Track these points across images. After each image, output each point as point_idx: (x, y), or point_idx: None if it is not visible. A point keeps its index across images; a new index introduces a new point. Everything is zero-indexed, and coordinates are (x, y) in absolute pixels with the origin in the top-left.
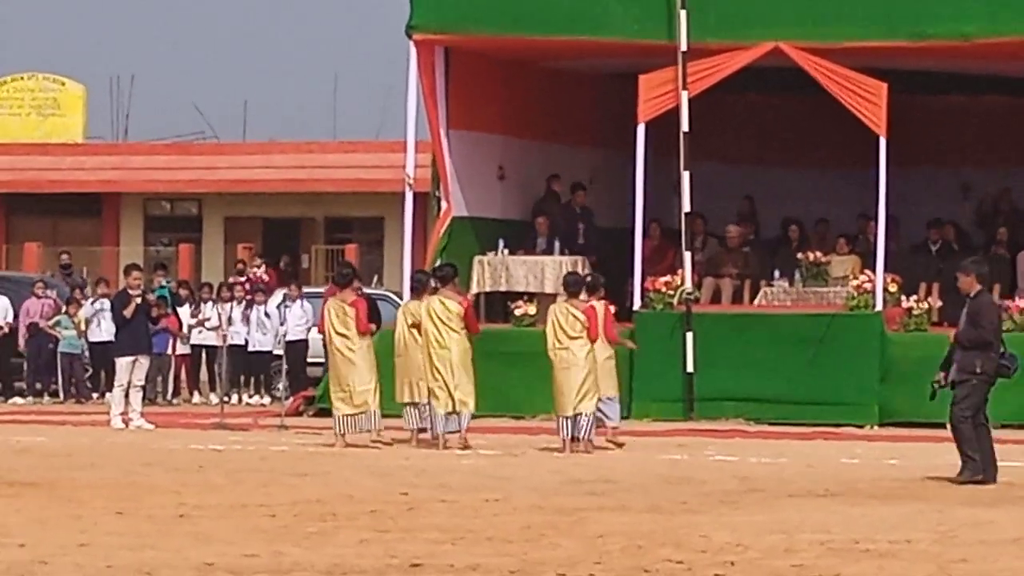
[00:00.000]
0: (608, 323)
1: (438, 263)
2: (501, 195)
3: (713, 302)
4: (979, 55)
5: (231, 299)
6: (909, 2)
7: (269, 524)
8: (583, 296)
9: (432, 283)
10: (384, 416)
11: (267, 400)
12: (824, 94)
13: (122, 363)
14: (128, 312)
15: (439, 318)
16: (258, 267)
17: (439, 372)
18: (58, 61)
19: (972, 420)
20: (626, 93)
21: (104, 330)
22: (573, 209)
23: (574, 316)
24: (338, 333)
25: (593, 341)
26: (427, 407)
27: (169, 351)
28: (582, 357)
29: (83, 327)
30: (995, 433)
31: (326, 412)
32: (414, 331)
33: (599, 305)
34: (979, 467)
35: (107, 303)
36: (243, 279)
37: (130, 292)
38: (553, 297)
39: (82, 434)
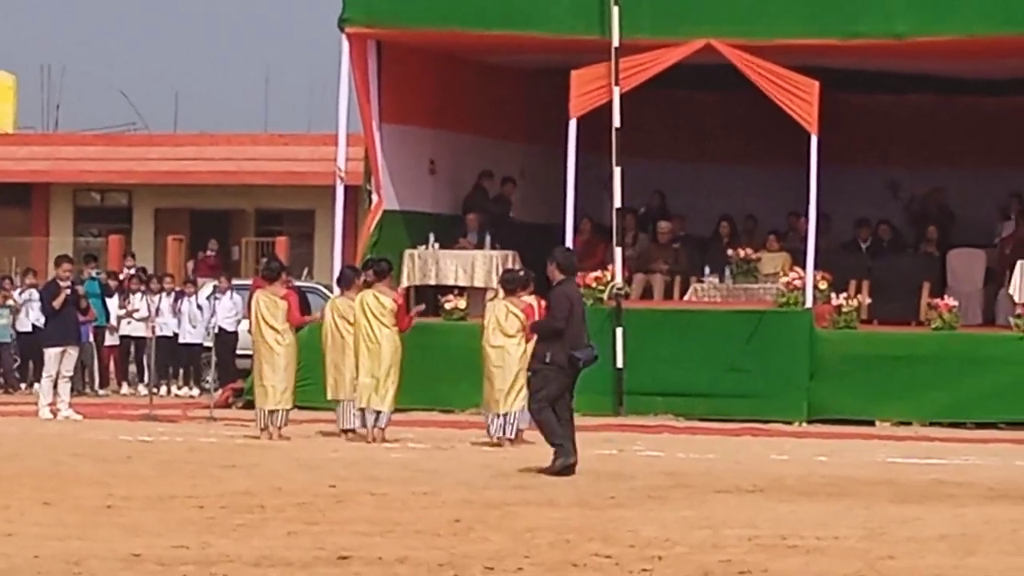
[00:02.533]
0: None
1: (371, 257)
2: (432, 189)
3: (643, 298)
4: (910, 54)
5: (160, 290)
6: (841, 1)
7: (197, 515)
8: (519, 293)
9: (365, 278)
10: (316, 409)
11: (196, 392)
12: (756, 91)
13: (51, 353)
14: (57, 303)
15: (372, 313)
16: (129, 267)
17: (369, 367)
18: None
19: (553, 410)
20: (558, 88)
21: (32, 320)
22: (504, 202)
23: (514, 314)
24: (269, 326)
25: (528, 340)
26: (351, 404)
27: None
28: (517, 356)
29: (19, 313)
30: (923, 431)
31: (254, 404)
32: (342, 326)
33: (532, 300)
34: (569, 450)
35: (35, 293)
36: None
37: (60, 283)
38: (483, 291)
39: (10, 424)
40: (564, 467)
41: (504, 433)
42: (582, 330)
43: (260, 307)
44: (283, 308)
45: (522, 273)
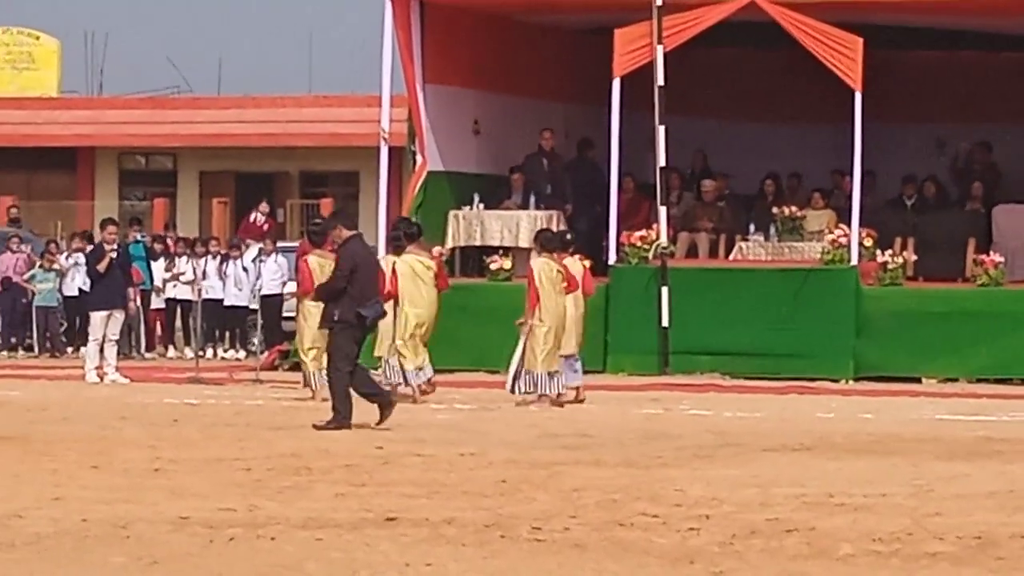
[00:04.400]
0: (587, 278)
1: (402, 218)
2: (476, 150)
3: (688, 257)
4: (954, 10)
5: (206, 254)
6: None
7: (244, 478)
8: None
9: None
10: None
11: (242, 354)
12: (799, 49)
13: (96, 317)
14: (102, 267)
15: (419, 276)
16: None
17: (416, 327)
18: (32, 15)
19: (350, 373)
20: (602, 47)
21: (79, 284)
22: (587, 161)
23: (559, 272)
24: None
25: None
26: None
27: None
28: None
29: (65, 277)
30: (970, 387)
31: (299, 367)
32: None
33: (574, 262)
34: (347, 417)
35: (82, 257)
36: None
37: (105, 246)
38: (528, 251)
39: (57, 388)
40: (339, 428)
41: (549, 391)
42: (369, 287)
43: (318, 271)
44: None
45: (568, 234)
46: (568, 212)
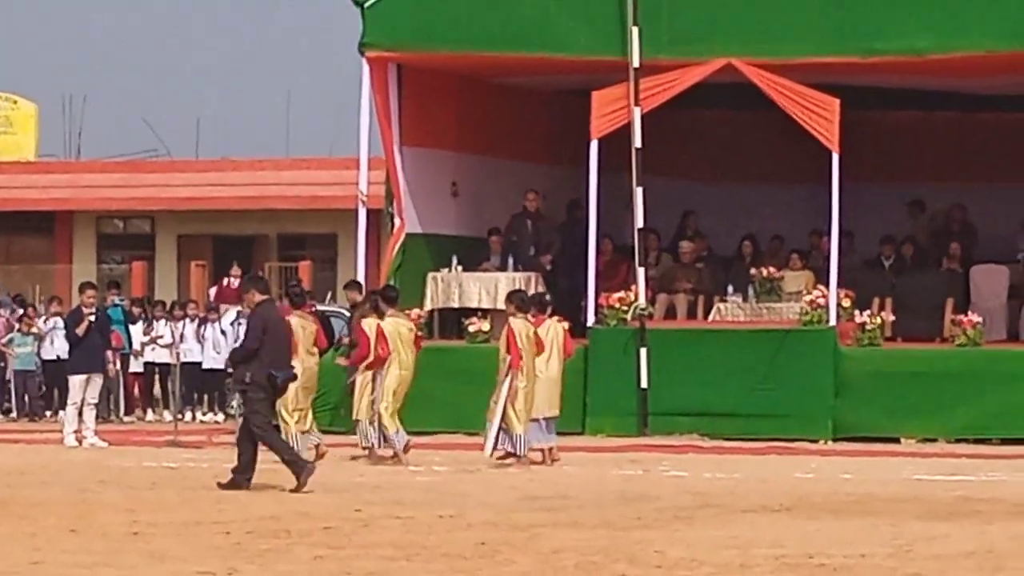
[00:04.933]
0: (567, 340)
1: (388, 284)
2: (455, 211)
3: (667, 318)
4: (931, 71)
5: (184, 317)
6: (861, 18)
7: (223, 541)
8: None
9: (370, 304)
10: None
11: (221, 417)
12: (777, 110)
13: (75, 381)
14: (81, 330)
15: (402, 339)
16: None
17: (395, 390)
18: (10, 79)
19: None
20: (579, 109)
21: (57, 348)
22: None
23: (534, 333)
24: (308, 352)
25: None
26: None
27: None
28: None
29: (43, 341)
30: (949, 447)
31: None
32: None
33: (552, 323)
34: (301, 463)
35: (60, 321)
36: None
37: (84, 310)
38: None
39: (35, 452)
40: (301, 475)
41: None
42: (282, 350)
43: (300, 332)
44: (313, 332)
45: (545, 295)
46: (548, 270)
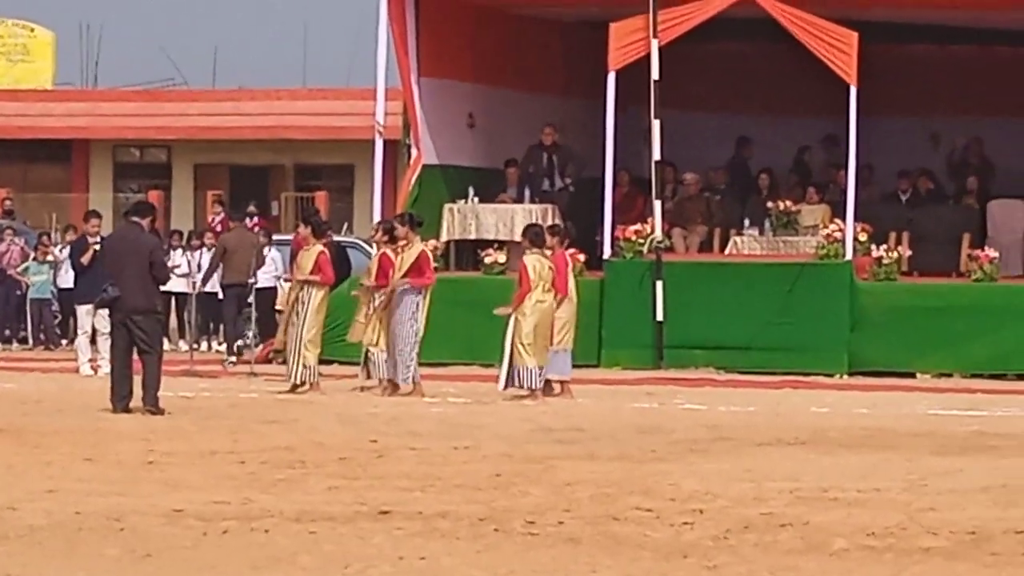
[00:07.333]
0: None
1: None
2: (471, 143)
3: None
4: (948, 5)
5: (201, 246)
6: None
7: (238, 471)
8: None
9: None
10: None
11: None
12: (795, 43)
13: (82, 311)
14: (86, 259)
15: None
16: (217, 214)
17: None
18: (27, 7)
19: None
20: (597, 41)
21: (71, 276)
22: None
23: (550, 268)
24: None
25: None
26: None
27: None
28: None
29: (59, 269)
30: (964, 382)
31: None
32: None
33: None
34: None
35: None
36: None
37: (88, 239)
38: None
39: (51, 380)
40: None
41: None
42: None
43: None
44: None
45: (556, 227)
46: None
